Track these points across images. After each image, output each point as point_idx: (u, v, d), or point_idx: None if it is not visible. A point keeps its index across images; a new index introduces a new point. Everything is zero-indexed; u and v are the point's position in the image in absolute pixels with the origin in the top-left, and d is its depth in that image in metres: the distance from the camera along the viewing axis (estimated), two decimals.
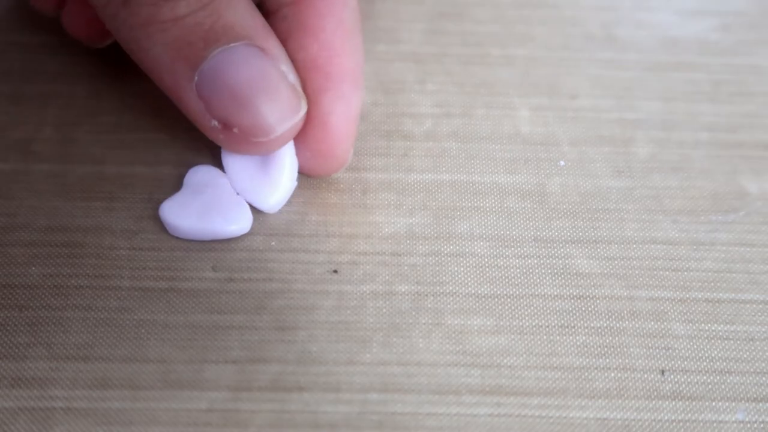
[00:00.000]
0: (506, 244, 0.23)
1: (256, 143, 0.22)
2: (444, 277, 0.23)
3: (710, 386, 0.21)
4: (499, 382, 0.21)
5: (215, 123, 0.22)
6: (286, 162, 0.23)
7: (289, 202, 0.24)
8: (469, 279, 0.23)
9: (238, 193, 0.24)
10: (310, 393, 0.21)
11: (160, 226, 0.23)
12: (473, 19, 0.30)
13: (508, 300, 0.22)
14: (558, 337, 0.22)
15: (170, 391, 0.21)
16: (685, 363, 0.21)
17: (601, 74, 0.28)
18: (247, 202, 0.24)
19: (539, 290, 0.23)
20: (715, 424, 0.20)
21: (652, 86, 0.28)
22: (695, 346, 0.22)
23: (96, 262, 0.23)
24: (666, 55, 0.29)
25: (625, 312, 0.22)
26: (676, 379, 0.21)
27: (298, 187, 0.24)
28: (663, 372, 0.21)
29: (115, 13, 0.21)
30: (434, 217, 0.24)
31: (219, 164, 0.25)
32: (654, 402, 0.21)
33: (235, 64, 0.21)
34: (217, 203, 0.23)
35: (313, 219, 0.24)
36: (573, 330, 0.22)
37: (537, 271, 0.23)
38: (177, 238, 0.23)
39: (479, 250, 0.23)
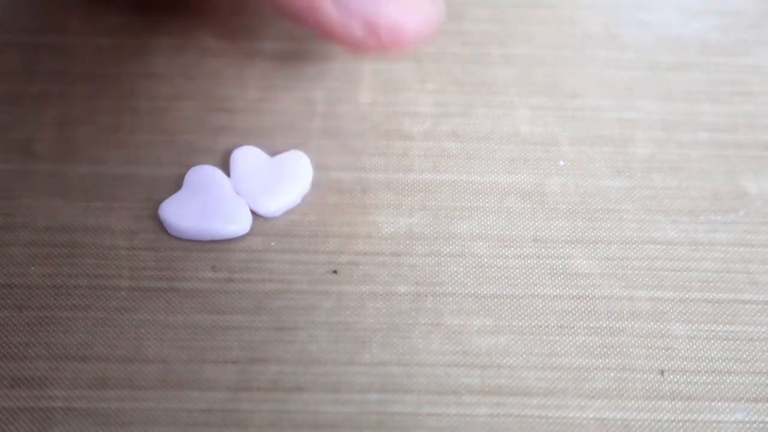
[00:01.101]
0: (506, 244, 0.23)
1: (398, 42, 0.22)
2: (443, 278, 0.23)
3: (709, 386, 0.21)
4: (499, 383, 0.21)
5: (357, 30, 0.22)
6: (300, 176, 0.24)
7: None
8: (468, 279, 0.23)
9: (238, 194, 0.24)
10: (310, 393, 0.21)
11: (160, 226, 0.23)
12: (473, 18, 0.30)
13: (508, 300, 0.22)
14: (557, 338, 0.22)
15: (170, 391, 0.21)
16: (685, 363, 0.21)
17: (601, 73, 0.28)
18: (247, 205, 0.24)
19: (538, 290, 0.23)
20: (714, 424, 0.20)
21: (651, 86, 0.28)
22: (694, 347, 0.22)
23: (95, 262, 0.23)
24: (666, 54, 0.29)
25: (625, 312, 0.22)
26: (675, 379, 0.21)
27: None
28: (662, 372, 0.21)
29: None
30: (434, 217, 0.24)
31: (219, 164, 0.25)
32: (653, 402, 0.21)
33: None
34: (217, 203, 0.23)
35: (313, 219, 0.24)
36: (572, 330, 0.22)
37: (536, 271, 0.23)
38: (176, 238, 0.23)
39: (479, 251, 0.23)
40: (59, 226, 0.23)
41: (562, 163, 0.26)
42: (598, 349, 0.22)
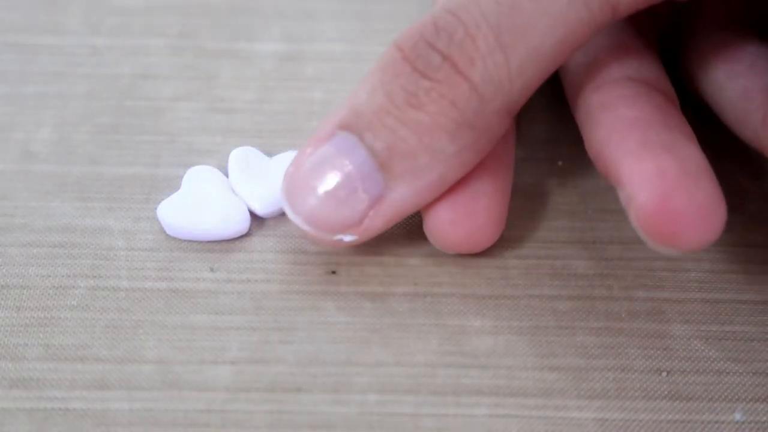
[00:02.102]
0: (505, 244, 0.23)
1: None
2: (442, 278, 0.23)
3: (708, 386, 0.21)
4: (498, 383, 0.21)
5: None
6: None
7: None
8: (467, 279, 0.23)
9: (236, 195, 0.24)
10: (309, 394, 0.21)
11: (159, 226, 0.23)
12: None
13: (507, 300, 0.22)
14: (556, 338, 0.22)
15: (168, 391, 0.21)
16: (684, 363, 0.21)
17: None
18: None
19: (538, 291, 0.23)
20: (713, 425, 0.20)
21: None
22: (693, 347, 0.22)
23: (94, 262, 0.23)
24: None
25: (624, 312, 0.22)
26: (674, 380, 0.21)
27: None
28: (661, 372, 0.21)
29: None
30: None
31: (217, 165, 0.25)
32: (652, 402, 0.21)
33: None
34: (216, 204, 0.23)
35: None
36: (571, 330, 0.22)
37: (535, 271, 0.23)
38: (175, 238, 0.23)
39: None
40: (58, 226, 0.23)
41: (560, 163, 0.26)
42: (597, 349, 0.22)
